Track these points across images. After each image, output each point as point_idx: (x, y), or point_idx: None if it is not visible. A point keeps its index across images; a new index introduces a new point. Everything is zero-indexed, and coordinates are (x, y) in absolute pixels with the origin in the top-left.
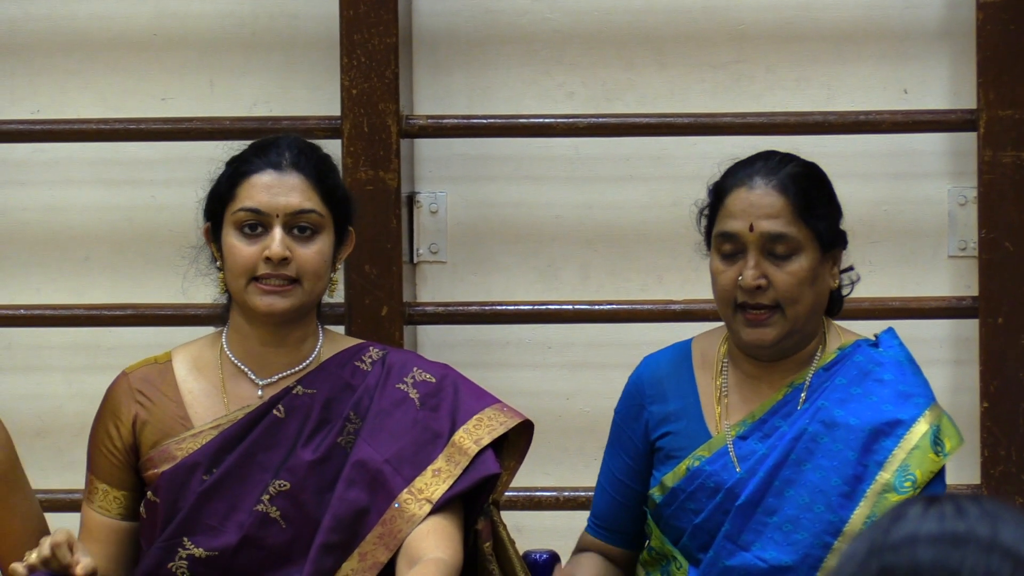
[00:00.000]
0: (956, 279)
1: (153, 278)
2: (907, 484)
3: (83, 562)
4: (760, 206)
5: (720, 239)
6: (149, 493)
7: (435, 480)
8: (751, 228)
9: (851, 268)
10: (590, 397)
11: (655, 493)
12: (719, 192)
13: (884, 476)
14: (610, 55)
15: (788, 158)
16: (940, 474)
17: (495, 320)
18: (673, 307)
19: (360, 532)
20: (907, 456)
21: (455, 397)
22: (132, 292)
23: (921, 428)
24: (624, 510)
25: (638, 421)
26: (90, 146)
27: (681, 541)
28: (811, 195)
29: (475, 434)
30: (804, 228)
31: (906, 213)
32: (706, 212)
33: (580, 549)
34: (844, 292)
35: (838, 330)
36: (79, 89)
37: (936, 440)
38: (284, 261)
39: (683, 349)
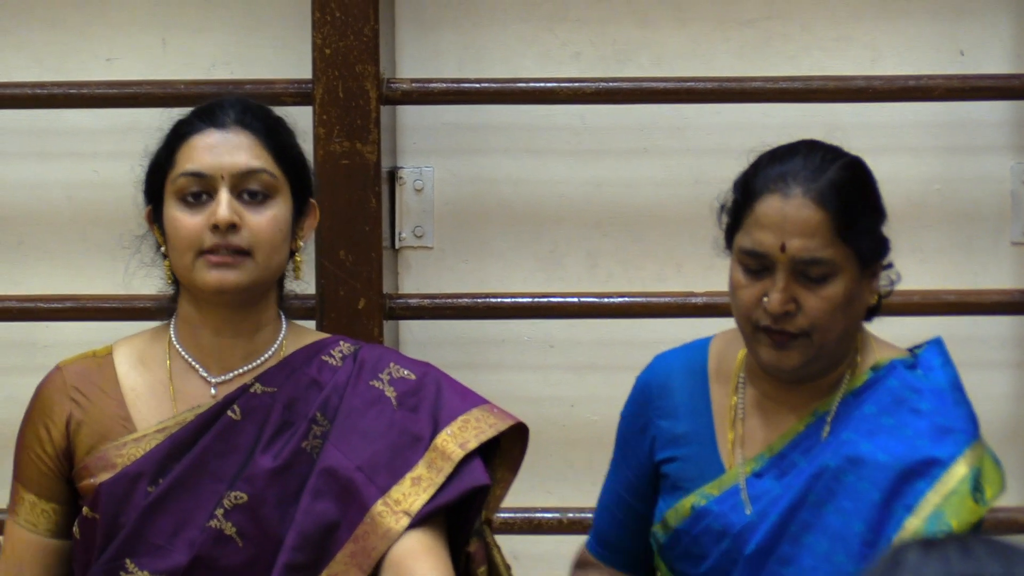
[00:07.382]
0: (1020, 269)
1: (95, 265)
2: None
3: None
4: (795, 221)
5: (745, 254)
6: (85, 508)
7: (414, 490)
8: (783, 248)
9: (890, 265)
10: (598, 404)
11: (658, 531)
12: (748, 192)
13: (914, 522)
14: (622, 10)
15: (831, 155)
16: (979, 527)
17: (489, 314)
18: (693, 300)
19: (329, 550)
20: (942, 502)
21: (437, 396)
22: (71, 281)
23: (960, 471)
24: (625, 530)
25: (644, 435)
26: (24, 114)
27: None
28: (855, 208)
29: (460, 437)
30: (843, 247)
31: (962, 193)
32: (729, 209)
33: (579, 565)
34: (883, 294)
35: (874, 345)
36: (11, 48)
37: (977, 486)
38: (233, 228)
39: (699, 352)
